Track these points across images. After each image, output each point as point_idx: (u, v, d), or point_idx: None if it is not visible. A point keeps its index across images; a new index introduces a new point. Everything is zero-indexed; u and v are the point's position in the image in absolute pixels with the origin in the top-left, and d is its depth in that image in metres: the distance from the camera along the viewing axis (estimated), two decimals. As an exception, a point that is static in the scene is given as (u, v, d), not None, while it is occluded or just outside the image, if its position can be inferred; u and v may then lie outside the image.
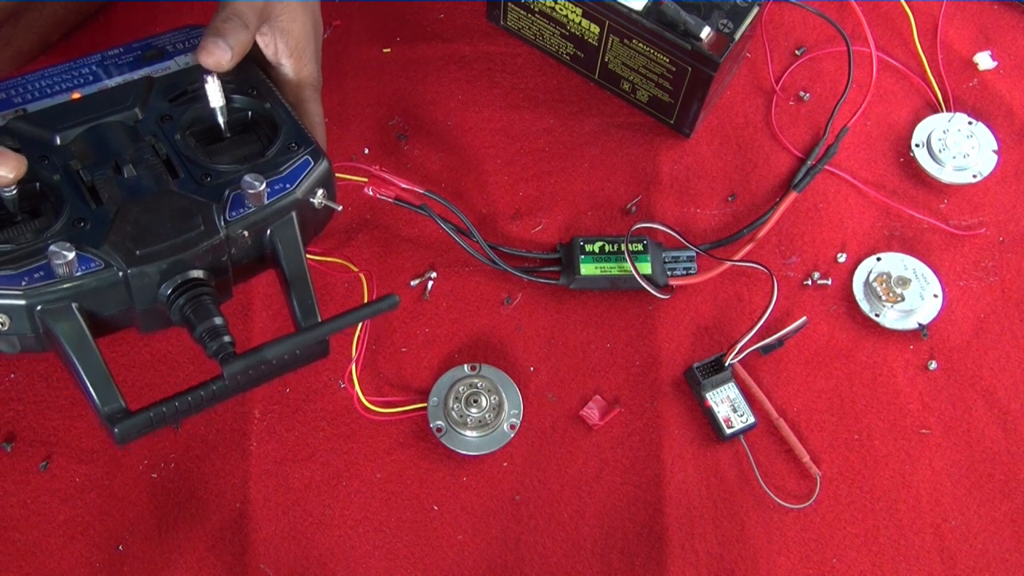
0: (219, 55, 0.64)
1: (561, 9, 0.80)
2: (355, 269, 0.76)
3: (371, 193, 0.77)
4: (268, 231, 0.63)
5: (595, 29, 0.80)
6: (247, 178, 0.61)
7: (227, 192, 0.62)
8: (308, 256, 0.76)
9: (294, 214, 0.63)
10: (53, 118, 0.64)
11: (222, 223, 0.61)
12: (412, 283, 0.78)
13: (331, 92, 0.84)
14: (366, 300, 0.74)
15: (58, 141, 0.63)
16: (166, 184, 0.62)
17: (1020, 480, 0.73)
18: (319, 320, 0.62)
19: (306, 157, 0.64)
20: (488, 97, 0.85)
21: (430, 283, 0.78)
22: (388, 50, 0.87)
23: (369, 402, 0.72)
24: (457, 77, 0.86)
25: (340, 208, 0.67)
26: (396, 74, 0.86)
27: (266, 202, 0.62)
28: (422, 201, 0.77)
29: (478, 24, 0.88)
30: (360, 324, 0.73)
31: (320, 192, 0.65)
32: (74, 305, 0.58)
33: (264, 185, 0.61)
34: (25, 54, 0.71)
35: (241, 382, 0.59)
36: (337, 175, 0.76)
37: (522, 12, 0.84)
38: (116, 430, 0.55)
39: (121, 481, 0.70)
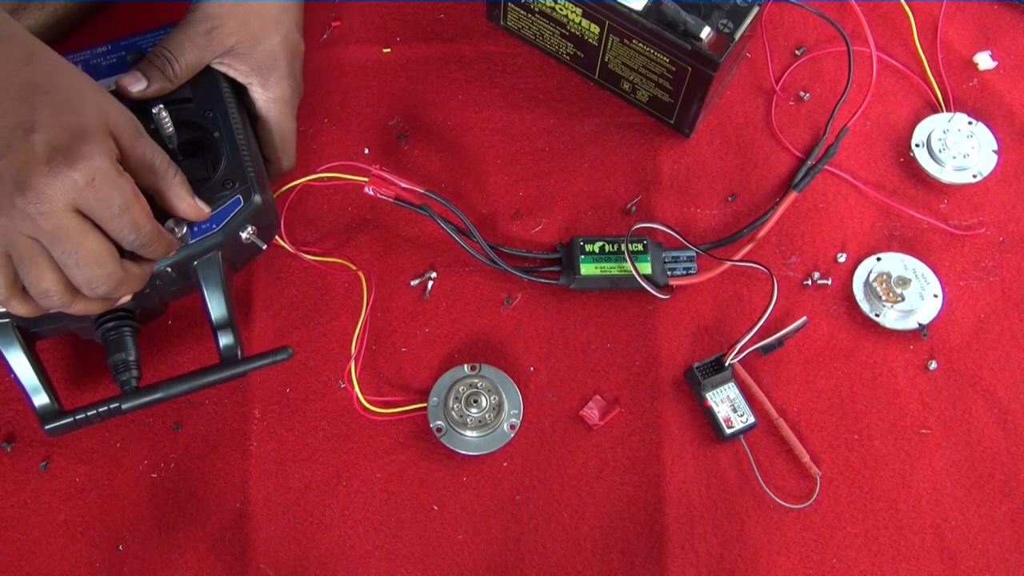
0: (129, 83, 0.67)
1: (561, 9, 0.80)
2: (355, 269, 0.76)
3: (371, 193, 0.77)
4: (194, 263, 0.65)
5: (595, 29, 0.80)
6: (168, 223, 0.63)
7: None
8: (308, 256, 0.76)
9: (219, 252, 0.65)
10: None
11: None
12: (412, 283, 0.78)
13: (331, 92, 0.84)
14: (365, 299, 0.75)
15: None
16: None
17: (1020, 480, 0.73)
18: (238, 351, 0.66)
19: (237, 196, 0.66)
20: (488, 97, 0.85)
21: (430, 283, 0.78)
22: (388, 50, 0.87)
23: (369, 402, 0.72)
24: (457, 77, 0.86)
25: (265, 247, 0.69)
26: (396, 74, 0.86)
27: (190, 242, 0.64)
28: (422, 201, 0.77)
29: (478, 24, 0.88)
30: (360, 326, 0.74)
31: (249, 229, 0.66)
32: (13, 323, 0.64)
33: (185, 230, 0.64)
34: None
35: (151, 401, 0.64)
36: (337, 175, 0.77)
37: (522, 12, 0.84)
38: (46, 428, 0.64)
39: (121, 481, 0.70)
